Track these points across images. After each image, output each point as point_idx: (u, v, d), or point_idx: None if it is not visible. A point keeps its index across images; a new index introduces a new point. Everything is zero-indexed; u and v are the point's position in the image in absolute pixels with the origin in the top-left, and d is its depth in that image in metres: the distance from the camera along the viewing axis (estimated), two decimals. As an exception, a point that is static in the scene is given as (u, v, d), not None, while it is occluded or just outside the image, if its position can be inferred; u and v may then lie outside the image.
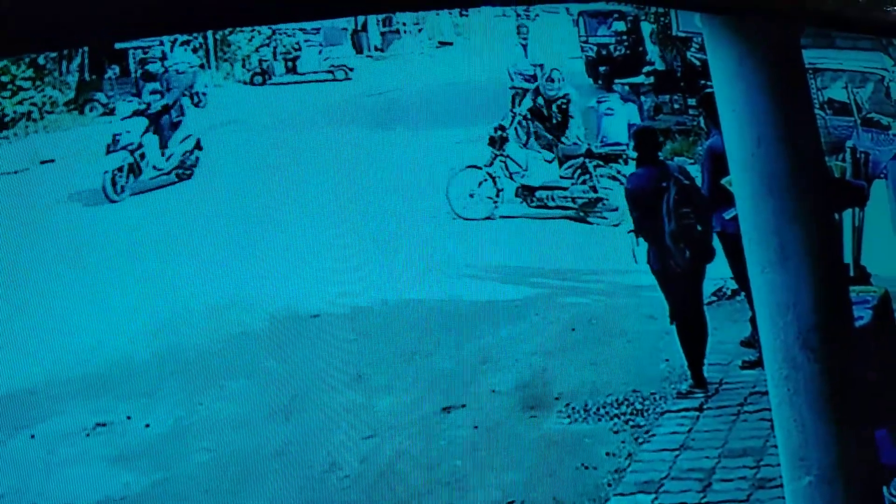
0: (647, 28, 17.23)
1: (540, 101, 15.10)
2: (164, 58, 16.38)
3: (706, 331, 10.84)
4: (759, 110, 5.42)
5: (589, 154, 14.59)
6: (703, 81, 14.53)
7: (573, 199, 14.38)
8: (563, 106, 15.00)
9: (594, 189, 14.35)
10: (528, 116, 14.98)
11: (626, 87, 15.84)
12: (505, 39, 16.38)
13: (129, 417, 10.45)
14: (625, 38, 17.41)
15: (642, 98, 15.40)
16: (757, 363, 10.71)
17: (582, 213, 14.33)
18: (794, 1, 4.54)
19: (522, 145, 14.88)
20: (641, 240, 10.94)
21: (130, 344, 11.38)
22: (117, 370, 11.05)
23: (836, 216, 10.36)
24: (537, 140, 14.95)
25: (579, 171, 14.49)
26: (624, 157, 14.65)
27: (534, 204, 14.48)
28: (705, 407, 10.56)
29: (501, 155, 14.63)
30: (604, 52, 17.36)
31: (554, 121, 15.06)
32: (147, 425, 10.35)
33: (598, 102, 15.37)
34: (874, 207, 11.17)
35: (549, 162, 14.84)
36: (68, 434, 10.24)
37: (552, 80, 15.09)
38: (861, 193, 11.11)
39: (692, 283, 10.73)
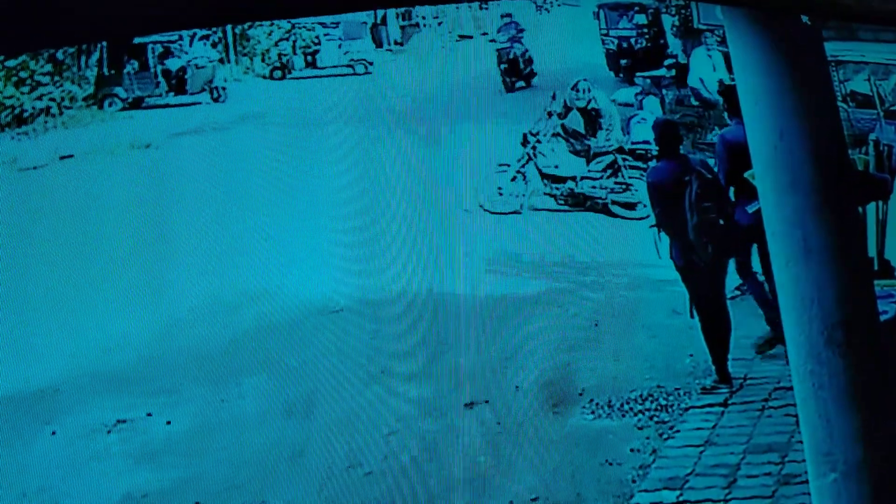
0: (667, 21, 17.19)
1: (568, 113, 15.09)
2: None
3: (729, 326, 10.83)
4: (781, 103, 5.42)
5: (619, 150, 14.60)
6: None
7: (602, 195, 14.38)
8: (593, 117, 14.98)
9: (623, 185, 14.35)
10: (557, 123, 14.98)
11: (648, 81, 15.81)
12: (527, 32, 16.39)
13: (149, 414, 10.49)
14: (646, 30, 17.37)
15: (664, 91, 15.36)
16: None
17: (608, 204, 14.32)
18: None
19: (552, 148, 14.88)
20: (664, 234, 10.92)
21: (152, 341, 11.42)
22: (139, 367, 11.09)
23: (860, 210, 10.34)
24: (564, 141, 14.95)
25: (609, 168, 14.49)
26: (654, 154, 14.64)
27: (561, 192, 14.49)
28: (730, 402, 10.54)
29: (533, 153, 14.63)
30: (625, 45, 17.34)
31: (582, 130, 15.04)
32: (168, 422, 10.39)
33: (636, 97, 15.33)
34: (898, 200, 11.16)
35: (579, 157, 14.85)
36: (90, 431, 10.29)
37: (578, 90, 15.07)
38: (885, 186, 11.07)
39: (715, 277, 10.73)
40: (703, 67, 14.55)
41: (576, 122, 15.09)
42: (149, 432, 10.31)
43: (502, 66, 16.44)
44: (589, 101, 15.01)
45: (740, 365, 10.87)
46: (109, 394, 10.71)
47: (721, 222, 10.66)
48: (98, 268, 12.31)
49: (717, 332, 10.79)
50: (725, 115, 11.94)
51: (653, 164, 14.24)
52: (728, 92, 11.53)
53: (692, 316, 10.84)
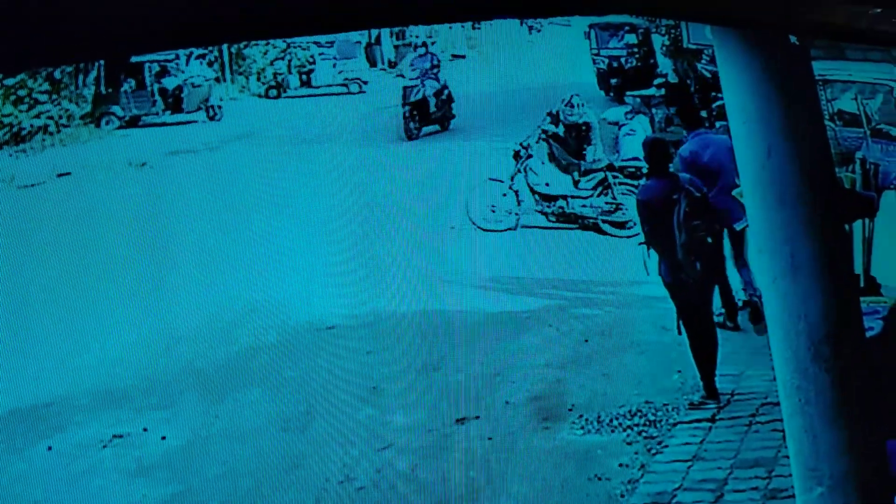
0: (657, 40, 17.24)
1: (560, 128, 15.10)
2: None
3: (717, 342, 10.82)
4: (769, 122, 5.43)
5: (610, 167, 14.61)
6: (713, 93, 14.56)
7: (592, 213, 14.39)
8: (584, 133, 15.00)
9: (613, 202, 14.37)
10: (548, 137, 14.99)
11: (638, 100, 15.84)
12: (519, 51, 16.41)
13: (145, 429, 10.47)
14: (636, 50, 17.42)
15: (653, 110, 15.39)
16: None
17: (601, 226, 14.35)
18: (803, 13, 4.55)
19: (542, 162, 14.90)
20: (653, 251, 10.90)
21: (148, 357, 11.41)
22: (135, 383, 11.08)
23: (847, 227, 10.35)
24: (553, 161, 14.96)
25: (600, 185, 14.51)
26: (644, 172, 14.66)
27: (552, 209, 14.50)
28: (717, 418, 10.53)
29: (524, 169, 14.65)
30: (615, 65, 17.38)
31: (573, 146, 15.06)
32: (163, 437, 10.38)
33: (620, 126, 15.33)
34: (884, 218, 11.16)
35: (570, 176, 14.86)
36: (85, 446, 10.26)
37: (572, 106, 15.09)
38: (871, 204, 11.09)
39: (703, 294, 10.73)
40: None
41: (565, 137, 15.12)
42: (144, 447, 10.28)
43: (404, 109, 16.18)
44: (581, 116, 15.05)
45: (728, 380, 10.86)
46: (105, 409, 10.69)
47: (709, 241, 10.65)
48: (95, 285, 12.30)
49: (704, 348, 10.78)
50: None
51: (643, 182, 14.29)
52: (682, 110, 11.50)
53: (679, 332, 10.83)
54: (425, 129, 15.81)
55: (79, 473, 9.96)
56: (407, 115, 15.77)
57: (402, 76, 16.61)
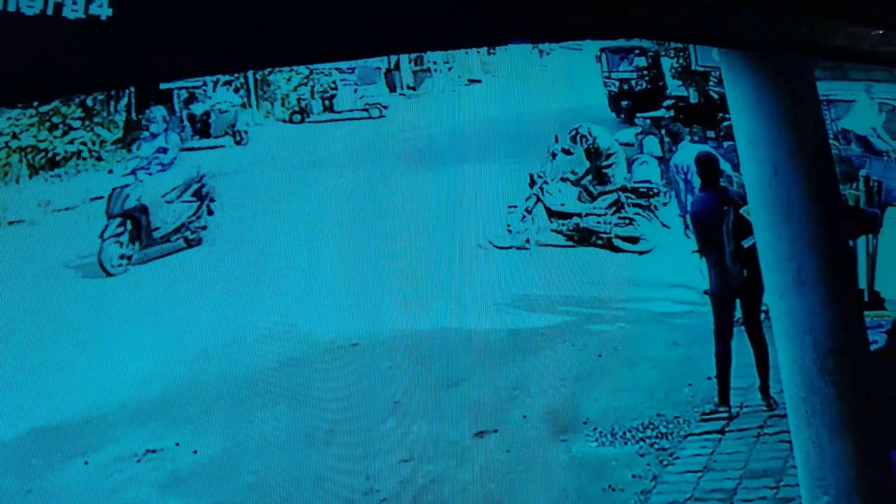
0: (666, 63, 17.26)
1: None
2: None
3: (766, 344, 10.76)
4: (775, 141, 5.43)
5: (623, 188, 14.63)
6: (721, 114, 14.58)
7: (607, 231, 14.41)
8: (608, 167, 15.03)
9: (628, 222, 14.38)
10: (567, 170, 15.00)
11: (648, 121, 15.85)
12: (533, 75, 16.43)
13: (177, 444, 10.49)
14: (646, 72, 17.44)
15: (662, 131, 15.40)
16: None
17: (612, 238, 14.35)
18: (807, 35, 4.55)
19: (558, 188, 14.90)
20: (704, 260, 11.02)
21: (178, 374, 11.43)
22: (167, 398, 11.11)
23: (851, 243, 10.35)
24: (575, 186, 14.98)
25: (613, 205, 14.52)
26: (656, 191, 14.69)
27: (567, 227, 14.52)
28: (727, 430, 10.52)
29: (540, 192, 14.66)
30: (626, 87, 17.40)
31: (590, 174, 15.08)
32: (195, 451, 10.39)
33: (634, 158, 15.33)
34: (887, 234, 11.15)
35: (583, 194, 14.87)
36: (120, 460, 10.30)
37: (576, 141, 15.12)
38: (875, 221, 11.10)
39: (752, 300, 10.71)
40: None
41: (580, 163, 15.12)
42: (177, 461, 10.32)
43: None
44: (594, 141, 15.06)
45: (737, 394, 10.85)
46: (139, 424, 10.72)
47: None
48: (129, 304, 12.35)
49: (757, 355, 10.75)
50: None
51: (655, 200, 14.33)
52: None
53: (718, 340, 10.82)
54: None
55: (114, 487, 9.98)
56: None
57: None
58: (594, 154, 15.05)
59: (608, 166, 15.04)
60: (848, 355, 5.59)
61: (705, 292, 11.25)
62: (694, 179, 12.60)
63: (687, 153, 13.62)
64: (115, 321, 12.03)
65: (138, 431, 10.63)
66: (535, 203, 14.60)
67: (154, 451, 10.41)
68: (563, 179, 14.91)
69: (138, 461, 10.31)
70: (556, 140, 15.02)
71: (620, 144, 15.38)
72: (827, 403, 5.59)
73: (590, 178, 14.96)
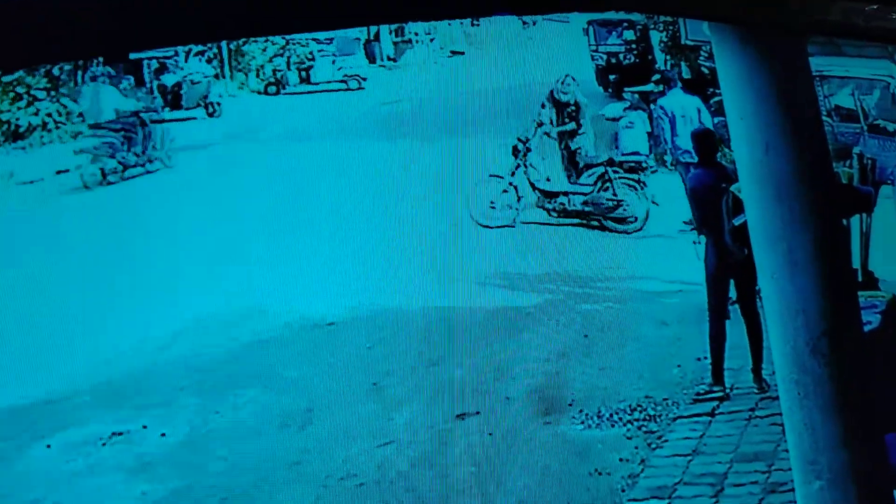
0: (655, 37, 17.28)
1: (553, 111, 15.15)
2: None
3: (759, 325, 10.83)
4: (766, 118, 5.43)
5: (610, 163, 14.66)
6: (711, 89, 14.62)
7: (594, 203, 14.45)
8: (573, 113, 15.08)
9: (615, 198, 14.42)
10: (549, 130, 15.04)
11: (636, 96, 15.88)
12: (518, 48, 16.42)
13: (145, 427, 10.48)
14: (634, 46, 17.46)
15: (651, 105, 15.44)
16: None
17: (601, 222, 14.40)
18: (800, 9, 4.57)
19: (542, 157, 14.94)
20: (702, 237, 11.09)
21: (147, 354, 11.42)
22: (134, 380, 11.09)
23: (844, 222, 10.39)
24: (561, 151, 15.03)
25: (600, 180, 14.55)
26: (644, 166, 14.74)
27: (553, 206, 14.56)
28: (717, 412, 10.57)
29: (524, 164, 14.68)
30: (613, 61, 17.42)
31: (566, 127, 15.12)
32: (163, 434, 10.40)
33: (619, 118, 15.41)
34: (881, 213, 11.20)
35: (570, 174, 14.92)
36: (84, 443, 10.28)
37: (563, 83, 15.18)
38: (868, 199, 11.15)
39: (747, 279, 10.77)
40: None
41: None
42: (144, 444, 10.30)
43: None
44: (571, 97, 15.11)
45: (728, 375, 10.89)
46: (105, 406, 10.70)
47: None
48: (95, 281, 12.32)
49: (751, 335, 10.82)
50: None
51: (641, 175, 14.38)
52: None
53: (713, 317, 10.88)
54: None
55: (78, 472, 9.96)
56: None
57: None
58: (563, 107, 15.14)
59: (573, 112, 15.11)
60: (841, 336, 5.61)
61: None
62: (679, 125, 12.81)
63: (675, 100, 13.98)
64: (80, 300, 12.02)
65: (104, 414, 10.60)
66: (517, 170, 14.62)
67: (120, 434, 10.39)
68: (545, 134, 14.95)
69: (103, 444, 10.28)
70: (543, 107, 15.06)
71: (608, 119, 15.43)
72: (820, 385, 5.61)
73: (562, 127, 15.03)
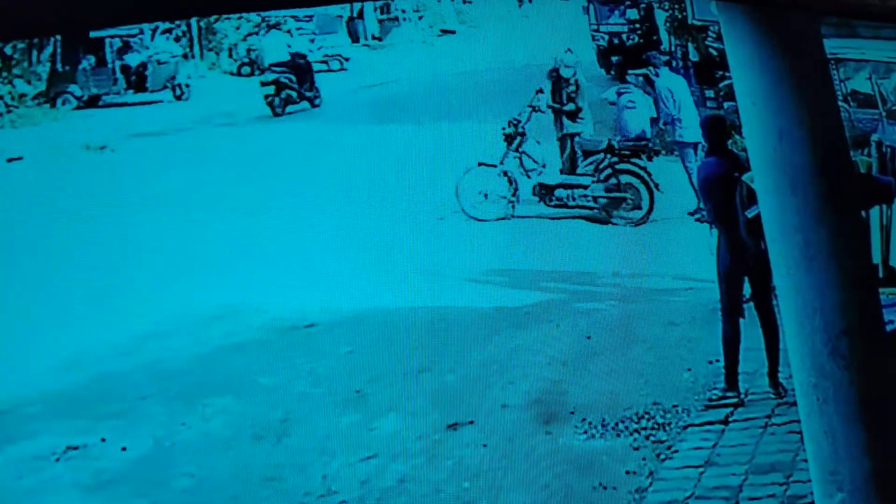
0: (661, 16, 17.37)
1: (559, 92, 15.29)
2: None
3: (776, 325, 10.90)
4: (779, 103, 5.51)
5: (610, 150, 14.77)
6: (720, 72, 14.76)
7: (594, 199, 14.55)
8: (573, 95, 15.20)
9: (617, 187, 14.53)
10: (542, 108, 15.16)
11: (640, 78, 15.98)
12: (514, 28, 16.51)
13: (103, 440, 10.48)
14: (638, 26, 17.55)
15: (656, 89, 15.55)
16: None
17: (604, 213, 14.50)
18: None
19: (538, 142, 15.04)
20: (715, 230, 11.16)
21: (106, 359, 11.42)
22: (91, 388, 11.07)
23: (863, 214, 10.49)
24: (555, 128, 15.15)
25: (601, 168, 14.66)
26: (647, 151, 14.85)
27: (552, 203, 14.65)
28: (731, 420, 10.60)
29: (516, 151, 14.78)
30: (616, 41, 17.51)
31: (565, 108, 15.24)
32: (124, 448, 10.41)
33: (619, 94, 15.54)
34: (903, 204, 11.31)
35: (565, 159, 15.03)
36: (36, 458, 10.25)
37: (568, 58, 15.32)
38: (889, 190, 11.22)
39: (762, 276, 10.85)
40: None
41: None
42: (102, 459, 10.28)
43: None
44: (573, 72, 15.25)
45: (742, 380, 10.93)
46: (59, 417, 10.67)
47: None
48: (48, 278, 12.33)
49: (767, 336, 10.90)
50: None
51: (643, 161, 14.52)
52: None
53: (726, 318, 10.97)
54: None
55: (28, 490, 9.93)
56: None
57: None
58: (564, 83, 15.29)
59: (573, 94, 15.25)
60: (861, 336, 5.67)
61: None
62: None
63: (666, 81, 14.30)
64: (33, 300, 12.05)
65: (58, 425, 10.57)
66: (512, 160, 14.71)
67: (76, 448, 10.36)
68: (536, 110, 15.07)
69: (57, 459, 10.26)
70: (541, 92, 15.16)
71: (610, 104, 15.55)
72: (840, 389, 5.67)
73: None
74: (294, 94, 16.18)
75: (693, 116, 14.52)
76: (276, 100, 16.15)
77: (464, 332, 11.92)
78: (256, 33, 17.65)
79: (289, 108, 16.19)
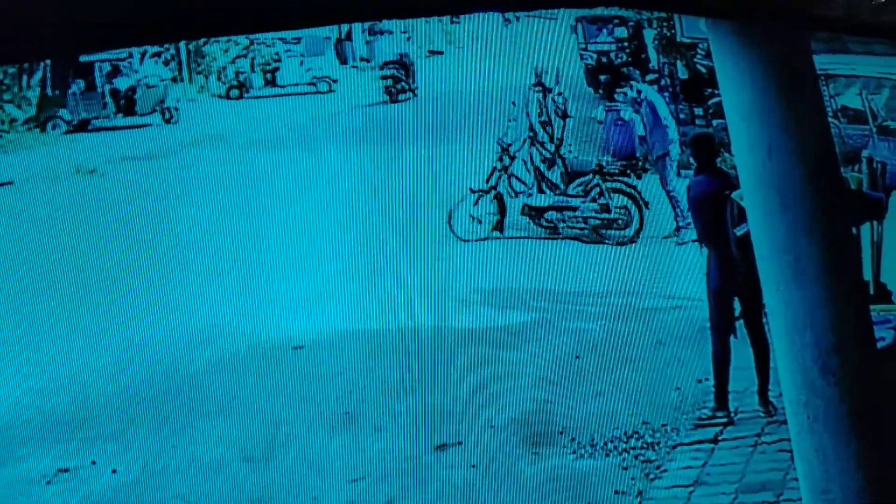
0: (649, 34, 17.37)
1: (546, 107, 15.29)
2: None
3: (766, 343, 10.86)
4: (769, 119, 5.49)
5: (599, 170, 14.75)
6: (708, 90, 14.75)
7: (584, 220, 14.53)
8: (561, 114, 15.21)
9: (607, 208, 14.50)
10: (530, 134, 15.16)
11: (629, 96, 15.98)
12: (501, 48, 16.50)
13: (94, 462, 10.42)
14: (626, 44, 17.55)
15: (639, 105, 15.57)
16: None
17: (594, 234, 14.48)
18: (802, 3, 4.62)
19: (527, 166, 15.03)
20: (705, 249, 11.11)
21: (95, 381, 11.37)
22: (81, 410, 11.01)
23: (854, 230, 10.47)
24: (540, 154, 15.13)
25: (590, 188, 14.65)
26: (636, 169, 14.84)
27: (543, 226, 14.64)
28: (720, 438, 10.59)
29: (505, 173, 14.76)
30: (604, 60, 17.51)
31: (553, 125, 15.25)
32: (114, 471, 10.35)
33: (606, 112, 15.55)
34: (893, 221, 11.28)
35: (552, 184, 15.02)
36: (27, 482, 10.18)
37: (554, 77, 15.35)
38: (879, 206, 11.23)
39: (753, 294, 10.81)
40: None
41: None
42: (93, 482, 10.24)
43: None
44: (561, 91, 15.27)
45: (732, 398, 10.90)
46: (49, 440, 10.62)
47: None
48: (37, 301, 12.28)
49: (757, 354, 10.85)
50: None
51: (631, 179, 14.51)
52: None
53: (717, 335, 10.93)
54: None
55: None
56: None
57: None
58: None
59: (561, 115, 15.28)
60: (852, 354, 5.65)
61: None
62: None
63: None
64: (22, 323, 11.99)
65: (48, 448, 10.52)
66: (502, 183, 14.69)
67: (66, 471, 10.32)
68: (529, 138, 15.06)
69: (48, 483, 10.21)
70: (529, 115, 15.17)
71: (599, 123, 15.57)
72: (830, 407, 5.65)
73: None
74: (405, 84, 17.18)
75: (671, 132, 14.63)
76: (392, 90, 16.94)
77: (452, 353, 11.87)
78: (245, 56, 17.61)
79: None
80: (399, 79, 17.18)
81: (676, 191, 14.32)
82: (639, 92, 15.38)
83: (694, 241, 11.46)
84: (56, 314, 12.10)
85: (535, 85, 15.28)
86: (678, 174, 14.45)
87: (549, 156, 15.08)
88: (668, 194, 14.41)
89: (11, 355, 11.40)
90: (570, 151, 15.17)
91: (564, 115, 15.27)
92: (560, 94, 15.33)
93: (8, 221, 13.26)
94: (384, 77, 17.33)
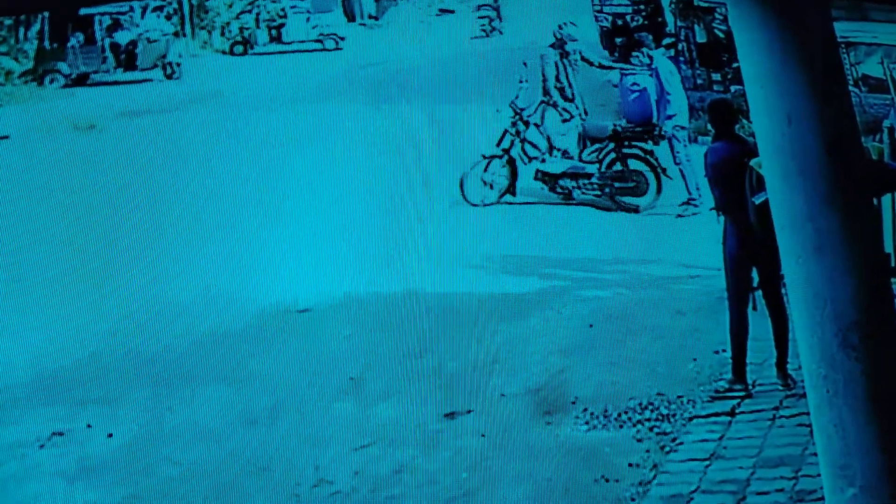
0: (666, -4, 17.40)
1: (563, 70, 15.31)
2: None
3: (785, 314, 10.86)
4: (788, 87, 5.48)
5: (615, 136, 14.77)
6: (726, 55, 14.75)
7: (600, 187, 14.56)
8: (575, 74, 15.25)
9: (623, 174, 14.54)
10: (545, 99, 15.19)
11: (645, 59, 15.98)
12: (515, 7, 16.52)
13: (89, 426, 10.46)
14: (643, 7, 17.55)
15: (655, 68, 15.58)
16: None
17: (610, 200, 14.50)
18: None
19: (538, 126, 15.06)
20: (723, 216, 11.13)
21: (93, 343, 11.41)
22: (76, 373, 11.04)
23: (875, 201, 10.46)
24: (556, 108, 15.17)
25: (607, 153, 14.67)
26: (653, 135, 14.85)
27: (558, 192, 14.67)
28: (738, 411, 10.57)
29: (517, 137, 14.78)
30: (620, 23, 17.51)
31: (572, 90, 15.27)
32: (110, 435, 10.40)
33: (623, 75, 15.55)
34: (916, 192, 11.28)
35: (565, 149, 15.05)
36: (19, 445, 10.26)
37: (568, 32, 15.37)
38: (901, 177, 11.23)
39: (771, 263, 10.81)
40: None
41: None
42: (87, 446, 10.29)
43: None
44: (576, 52, 15.30)
45: (749, 370, 10.87)
46: (43, 403, 10.67)
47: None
48: (34, 262, 12.32)
49: (776, 325, 10.86)
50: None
51: (647, 144, 14.52)
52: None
53: (735, 304, 10.94)
54: None
55: (10, 476, 9.92)
56: None
57: None
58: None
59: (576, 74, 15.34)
60: (874, 327, 5.64)
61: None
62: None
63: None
64: (16, 283, 12.02)
65: (42, 411, 10.59)
66: (515, 146, 14.71)
67: (61, 434, 10.37)
68: (543, 101, 15.09)
69: (41, 446, 10.27)
70: (545, 81, 15.19)
71: (614, 86, 15.57)
72: (850, 382, 5.64)
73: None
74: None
75: (681, 101, 14.63)
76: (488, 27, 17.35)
77: (463, 319, 11.92)
78: (249, 11, 17.63)
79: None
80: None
81: (684, 164, 14.37)
82: (650, 58, 15.39)
83: (711, 209, 11.45)
84: (52, 274, 12.14)
85: (551, 45, 15.28)
86: (695, 140, 14.46)
87: (563, 121, 15.09)
88: (678, 167, 14.46)
89: (6, 316, 11.44)
90: (585, 116, 15.18)
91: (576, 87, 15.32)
92: (577, 56, 15.34)
93: (3, 177, 13.31)
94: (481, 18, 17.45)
